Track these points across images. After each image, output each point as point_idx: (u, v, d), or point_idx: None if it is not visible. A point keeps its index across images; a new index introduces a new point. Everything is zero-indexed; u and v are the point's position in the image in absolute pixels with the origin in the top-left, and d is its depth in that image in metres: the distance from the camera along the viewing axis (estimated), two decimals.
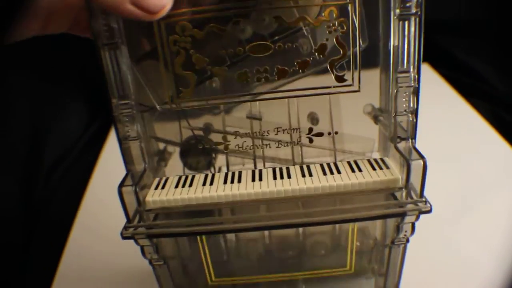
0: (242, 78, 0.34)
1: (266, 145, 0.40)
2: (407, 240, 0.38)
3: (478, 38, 0.91)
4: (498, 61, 0.88)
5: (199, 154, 0.42)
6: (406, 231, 0.37)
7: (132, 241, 0.35)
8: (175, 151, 0.43)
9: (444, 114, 0.80)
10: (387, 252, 0.39)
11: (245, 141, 0.40)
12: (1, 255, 0.57)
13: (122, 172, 0.36)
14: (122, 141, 0.35)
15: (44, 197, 0.69)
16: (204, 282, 0.43)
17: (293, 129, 0.38)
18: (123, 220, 0.34)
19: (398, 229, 0.36)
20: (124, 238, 0.35)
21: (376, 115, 0.41)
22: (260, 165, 0.41)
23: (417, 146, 0.36)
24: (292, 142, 0.39)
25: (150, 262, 0.38)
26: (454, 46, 0.95)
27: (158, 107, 0.36)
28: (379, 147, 0.41)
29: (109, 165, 0.74)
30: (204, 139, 0.41)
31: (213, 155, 0.42)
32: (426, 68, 0.96)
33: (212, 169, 0.42)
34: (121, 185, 0.34)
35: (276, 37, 0.34)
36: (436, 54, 0.93)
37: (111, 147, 0.80)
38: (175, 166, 0.42)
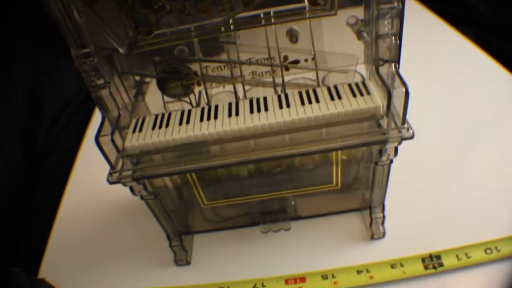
0: (204, 11, 0.31)
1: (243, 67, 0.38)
2: (391, 161, 0.38)
3: None
4: None
5: (176, 81, 0.40)
6: (389, 154, 0.36)
7: None
8: (152, 81, 0.41)
9: (434, 43, 0.77)
10: (372, 170, 0.40)
11: (220, 66, 0.38)
12: (8, 201, 0.60)
13: None
14: (91, 90, 0.34)
15: (45, 149, 0.72)
16: (197, 206, 0.45)
17: (271, 58, 0.36)
18: None
19: (381, 152, 0.36)
20: (111, 183, 0.36)
21: (359, 30, 0.38)
22: (239, 88, 0.40)
23: (404, 70, 0.34)
24: (272, 70, 0.37)
25: (142, 198, 0.39)
26: None
27: (120, 50, 0.34)
28: (365, 61, 0.39)
29: None
30: (179, 67, 0.39)
31: (191, 81, 0.40)
32: (410, 2, 0.91)
33: (192, 96, 0.41)
34: (98, 135, 0.33)
35: None
36: None
37: None
38: (153, 98, 0.41)
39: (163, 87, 0.41)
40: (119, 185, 0.38)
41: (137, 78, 0.41)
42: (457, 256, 0.42)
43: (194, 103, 0.42)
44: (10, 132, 0.69)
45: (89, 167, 0.65)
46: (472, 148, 0.55)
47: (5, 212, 0.60)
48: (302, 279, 0.43)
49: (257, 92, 0.40)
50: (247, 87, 0.40)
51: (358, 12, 0.35)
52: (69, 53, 0.32)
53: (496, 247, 0.42)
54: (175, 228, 0.45)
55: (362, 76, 0.40)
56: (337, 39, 0.38)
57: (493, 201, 0.47)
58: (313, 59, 0.36)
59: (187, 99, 0.42)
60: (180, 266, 0.46)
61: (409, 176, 0.49)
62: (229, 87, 0.41)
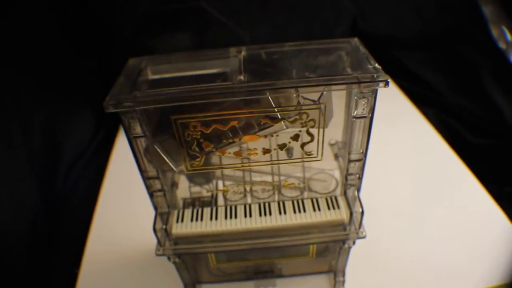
0: (237, 155, 0.48)
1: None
2: (350, 247, 0.55)
3: (429, 51, 1.04)
4: (446, 71, 1.01)
5: (200, 177, 0.56)
6: (349, 244, 0.54)
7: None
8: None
9: (397, 121, 0.96)
10: (337, 251, 0.57)
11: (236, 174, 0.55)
12: (27, 248, 0.69)
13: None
14: (153, 193, 0.49)
15: (63, 195, 0.83)
16: (207, 266, 0.61)
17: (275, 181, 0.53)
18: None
19: (343, 243, 0.54)
20: (157, 255, 0.51)
21: (336, 154, 0.55)
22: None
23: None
24: (273, 188, 0.53)
25: (173, 263, 0.55)
26: (409, 59, 1.07)
27: (175, 169, 0.49)
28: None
29: (120, 164, 0.90)
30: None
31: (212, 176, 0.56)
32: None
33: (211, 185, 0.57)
34: (154, 225, 0.49)
35: (263, 128, 0.46)
36: (393, 66, 1.08)
37: (119, 150, 0.95)
38: (183, 187, 0.57)
39: (190, 178, 0.57)
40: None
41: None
42: None
43: (213, 190, 0.58)
44: (29, 178, 0.78)
45: (110, 213, 0.79)
46: (421, 222, 0.74)
47: (30, 256, 0.70)
48: None
49: (260, 191, 0.57)
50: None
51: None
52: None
53: None
54: (191, 280, 0.61)
55: (337, 181, 0.57)
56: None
57: (432, 267, 0.66)
58: (304, 182, 0.53)
59: (207, 186, 0.58)
60: None
61: (365, 248, 0.65)
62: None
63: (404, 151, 0.89)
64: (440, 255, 0.68)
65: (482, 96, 0.97)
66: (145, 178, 0.48)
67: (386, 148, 0.88)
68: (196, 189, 0.58)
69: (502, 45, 1.05)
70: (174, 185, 0.57)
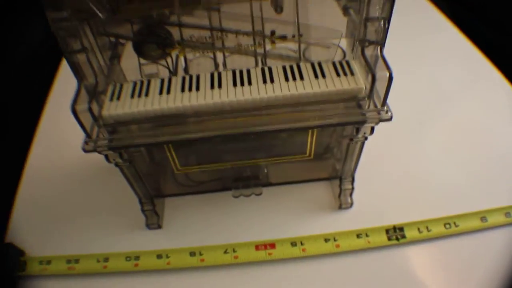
0: None
1: (226, 35, 0.37)
2: (365, 138, 0.39)
3: None
4: None
5: (153, 43, 0.38)
6: (365, 132, 0.37)
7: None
8: (128, 42, 0.39)
9: (407, 14, 0.75)
10: (346, 145, 0.41)
11: (202, 33, 0.37)
12: None
13: None
14: (67, 55, 0.31)
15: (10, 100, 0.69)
16: (171, 172, 0.45)
17: (256, 32, 0.35)
18: None
19: (357, 130, 0.37)
20: (86, 151, 0.35)
21: (346, 6, 0.37)
22: (219, 56, 0.39)
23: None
24: (256, 43, 0.36)
25: (116, 165, 0.39)
26: None
27: (100, 15, 0.31)
28: (346, 35, 0.39)
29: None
30: (158, 30, 0.38)
31: (170, 48, 0.39)
32: None
33: (169, 58, 0.39)
34: (74, 103, 0.32)
35: None
36: None
37: None
38: (128, 61, 0.40)
39: (139, 50, 0.39)
40: None
41: (112, 39, 0.39)
42: (418, 229, 0.45)
43: (171, 67, 0.40)
44: None
45: (58, 121, 0.62)
46: (437, 126, 0.58)
47: None
48: (272, 245, 0.44)
49: (238, 60, 0.39)
50: (226, 53, 0.39)
51: None
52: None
53: (454, 223, 0.45)
54: (148, 192, 0.45)
55: (344, 52, 0.40)
56: (321, 11, 0.37)
57: (455, 178, 0.51)
58: (300, 35, 0.35)
59: (164, 62, 0.40)
60: (151, 230, 0.47)
61: (378, 150, 0.50)
62: (209, 54, 0.39)
63: (421, 49, 0.70)
64: (458, 168, 0.52)
65: None
66: (52, 22, 0.30)
67: (400, 47, 0.70)
68: (151, 69, 0.41)
69: None
70: (116, 57, 0.40)
